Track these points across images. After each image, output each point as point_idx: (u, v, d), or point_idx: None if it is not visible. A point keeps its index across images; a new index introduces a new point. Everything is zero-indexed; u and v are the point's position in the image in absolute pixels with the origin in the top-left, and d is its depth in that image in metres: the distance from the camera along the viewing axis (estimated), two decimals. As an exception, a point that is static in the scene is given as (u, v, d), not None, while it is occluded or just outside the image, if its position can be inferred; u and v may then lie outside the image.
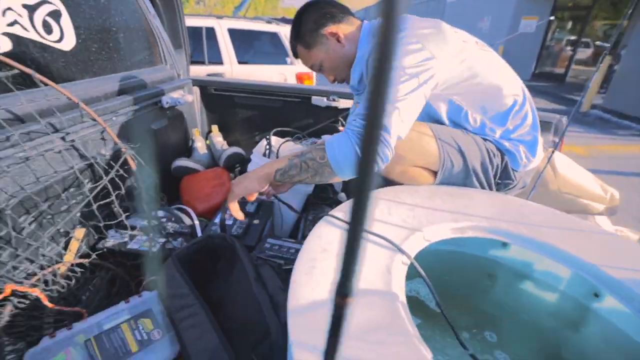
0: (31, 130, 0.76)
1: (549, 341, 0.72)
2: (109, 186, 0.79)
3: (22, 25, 0.75)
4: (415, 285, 0.77)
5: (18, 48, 0.75)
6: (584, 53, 10.08)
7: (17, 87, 0.75)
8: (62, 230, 0.90)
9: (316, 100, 1.58)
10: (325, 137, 1.23)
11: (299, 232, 1.29)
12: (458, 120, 0.96)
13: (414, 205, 0.80)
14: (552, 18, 7.89)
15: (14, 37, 0.74)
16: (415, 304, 0.72)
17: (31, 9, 0.77)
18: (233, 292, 0.85)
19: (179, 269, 0.86)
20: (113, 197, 0.79)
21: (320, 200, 1.29)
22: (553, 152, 1.04)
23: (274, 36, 3.73)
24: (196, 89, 1.65)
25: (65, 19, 0.87)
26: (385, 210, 0.76)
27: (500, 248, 0.80)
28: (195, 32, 3.39)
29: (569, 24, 9.40)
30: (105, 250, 0.94)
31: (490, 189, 0.98)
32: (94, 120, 0.85)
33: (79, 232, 0.91)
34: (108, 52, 1.05)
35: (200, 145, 1.55)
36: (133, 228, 1.07)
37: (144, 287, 0.94)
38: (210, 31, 3.49)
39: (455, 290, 0.80)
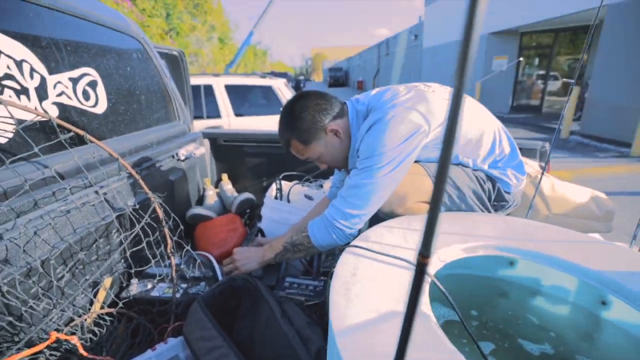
0: (73, 186, 0.83)
1: (567, 350, 0.75)
2: (141, 234, 0.84)
3: (67, 95, 0.85)
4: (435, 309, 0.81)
5: (63, 114, 0.85)
6: (554, 85, 10.83)
7: (58, 147, 0.83)
8: (90, 280, 0.93)
9: None
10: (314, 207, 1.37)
11: (313, 269, 1.32)
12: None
13: (425, 231, 0.86)
14: (520, 59, 8.67)
15: (60, 105, 0.84)
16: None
17: (75, 81, 0.88)
18: (260, 330, 0.87)
19: (206, 312, 0.89)
20: (144, 244, 0.84)
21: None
22: (542, 174, 1.13)
23: (268, 89, 4.00)
24: (206, 141, 1.76)
25: (100, 87, 0.99)
26: (401, 237, 0.82)
27: (508, 267, 0.85)
28: (194, 89, 3.63)
29: (536, 61, 10.20)
30: (131, 298, 0.96)
31: (489, 211, 1.05)
32: (128, 173, 0.93)
33: (107, 281, 0.94)
34: (132, 113, 1.16)
35: (211, 193, 1.62)
36: (154, 277, 1.10)
37: (168, 334, 0.95)
38: (209, 88, 3.76)
39: (469, 311, 0.84)
